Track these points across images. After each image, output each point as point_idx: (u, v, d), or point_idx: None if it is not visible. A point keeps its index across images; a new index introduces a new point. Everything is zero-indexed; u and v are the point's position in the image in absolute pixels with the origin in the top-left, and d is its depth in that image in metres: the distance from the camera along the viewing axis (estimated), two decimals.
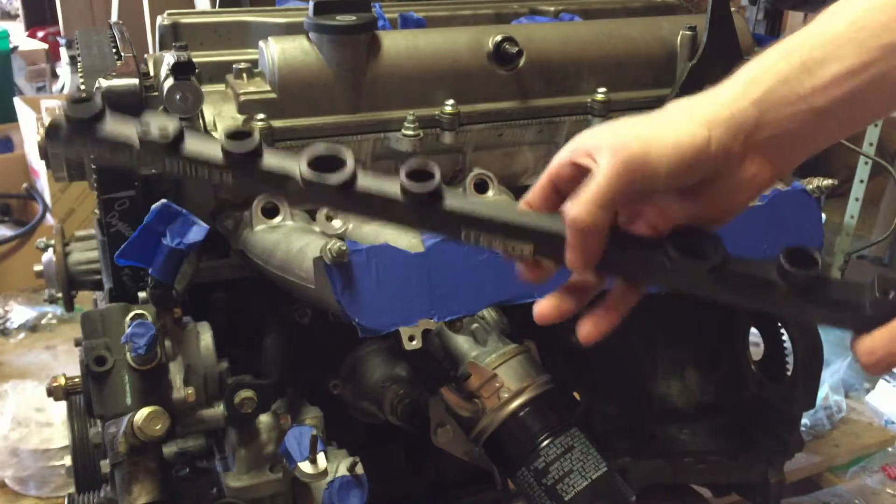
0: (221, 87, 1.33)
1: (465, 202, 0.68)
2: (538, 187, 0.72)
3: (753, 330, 1.61)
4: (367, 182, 0.67)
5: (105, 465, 1.18)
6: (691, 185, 0.69)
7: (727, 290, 0.66)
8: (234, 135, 0.67)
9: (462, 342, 1.28)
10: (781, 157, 0.70)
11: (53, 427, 2.14)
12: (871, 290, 0.62)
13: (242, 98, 1.27)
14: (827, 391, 2.31)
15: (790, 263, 0.63)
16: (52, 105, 1.36)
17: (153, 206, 1.09)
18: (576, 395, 1.40)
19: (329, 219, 1.28)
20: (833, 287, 0.64)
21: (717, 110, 0.68)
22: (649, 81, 1.46)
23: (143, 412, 1.08)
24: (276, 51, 1.28)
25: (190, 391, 1.16)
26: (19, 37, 5.29)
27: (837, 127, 0.70)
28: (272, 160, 0.67)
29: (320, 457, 1.14)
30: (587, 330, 0.68)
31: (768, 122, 0.67)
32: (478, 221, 0.68)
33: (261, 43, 1.30)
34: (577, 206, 0.66)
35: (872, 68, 0.65)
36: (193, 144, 0.67)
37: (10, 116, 3.52)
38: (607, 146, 0.67)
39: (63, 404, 1.40)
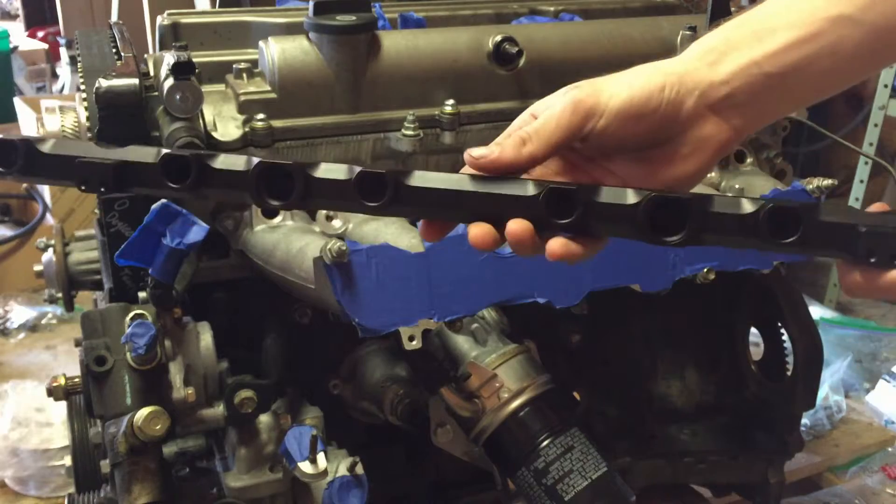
0: (221, 87, 1.33)
1: (420, 194, 0.67)
2: (497, 138, 0.72)
3: (753, 330, 1.61)
4: (318, 201, 0.68)
5: (105, 465, 1.18)
6: (646, 142, 0.70)
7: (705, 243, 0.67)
8: (171, 168, 0.66)
9: (462, 342, 1.28)
10: (738, 118, 0.71)
11: (53, 427, 2.14)
12: (852, 249, 0.62)
13: (242, 98, 1.27)
14: (827, 391, 2.30)
15: (773, 230, 0.63)
16: (52, 105, 1.36)
17: (153, 206, 1.09)
18: (576, 395, 1.40)
19: (329, 219, 1.28)
20: (817, 240, 0.63)
21: (673, 68, 0.71)
22: None
23: (143, 412, 1.08)
24: (276, 51, 1.28)
25: (190, 391, 1.16)
26: (19, 37, 5.29)
27: (793, 95, 0.71)
28: (219, 185, 0.67)
29: (320, 457, 1.14)
30: (557, 245, 0.67)
31: (723, 83, 0.69)
32: (436, 212, 0.69)
33: (261, 43, 1.30)
34: (511, 140, 0.68)
35: (821, 38, 0.68)
36: (136, 180, 0.67)
37: (10, 116, 3.52)
38: (563, 94, 0.70)
39: (63, 404, 1.40)
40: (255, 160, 0.67)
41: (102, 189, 0.67)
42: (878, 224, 0.61)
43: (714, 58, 0.70)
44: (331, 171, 0.67)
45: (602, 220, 0.66)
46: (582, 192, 0.66)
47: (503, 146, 0.68)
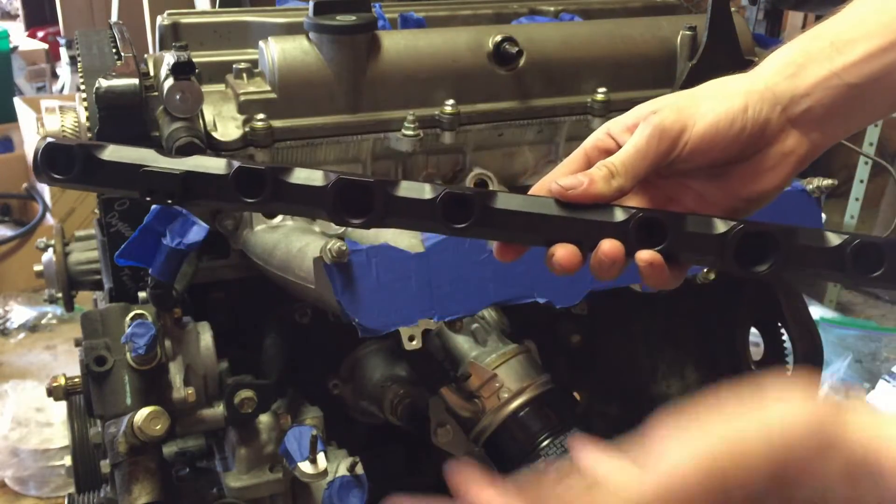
0: (221, 87, 1.33)
1: (506, 217, 0.66)
2: (572, 157, 0.71)
3: (753, 330, 1.61)
4: (397, 220, 0.66)
5: (105, 465, 1.18)
6: (729, 162, 0.70)
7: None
8: (244, 182, 0.64)
9: (462, 342, 1.28)
10: (817, 132, 0.70)
11: (53, 427, 2.14)
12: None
13: (242, 98, 1.27)
14: (827, 391, 2.30)
15: (858, 265, 0.64)
16: (52, 105, 1.36)
17: (153, 206, 1.09)
18: (576, 395, 1.40)
19: None
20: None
21: (753, 84, 0.70)
22: (649, 81, 1.46)
23: (143, 412, 1.08)
24: (276, 51, 1.28)
25: (190, 391, 1.16)
26: (19, 37, 5.29)
27: (871, 106, 0.71)
28: (294, 201, 0.65)
29: (320, 457, 1.14)
30: (648, 254, 0.66)
31: (804, 96, 0.69)
32: (521, 235, 0.68)
33: (261, 43, 1.30)
34: (601, 172, 0.67)
35: None
36: (206, 192, 0.64)
37: (10, 116, 3.52)
38: (644, 117, 0.69)
39: (63, 404, 1.40)
40: (333, 175, 0.64)
41: (170, 200, 0.64)
42: None
43: (793, 70, 0.69)
44: (413, 189, 0.65)
45: (690, 248, 0.65)
46: (670, 220, 0.65)
47: (594, 179, 0.66)
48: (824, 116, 0.69)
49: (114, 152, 0.65)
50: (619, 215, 0.66)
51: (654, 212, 0.67)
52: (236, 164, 0.65)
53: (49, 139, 0.64)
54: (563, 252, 0.66)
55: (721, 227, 0.65)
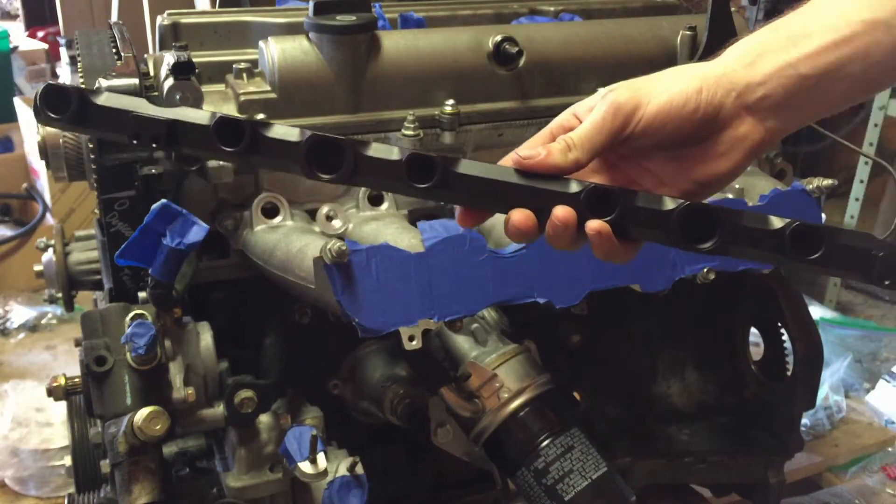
0: (221, 87, 1.33)
1: (467, 181, 0.69)
2: (538, 134, 0.74)
3: (753, 330, 1.61)
4: (365, 178, 0.69)
5: (105, 465, 1.18)
6: (683, 144, 0.72)
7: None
8: (225, 132, 0.67)
9: (462, 342, 1.28)
10: (772, 120, 0.73)
11: (53, 427, 2.14)
12: (868, 272, 0.65)
13: (242, 98, 1.27)
14: (827, 391, 2.30)
15: (796, 247, 0.66)
16: None
17: (153, 206, 1.09)
18: (576, 395, 1.40)
19: (329, 219, 1.28)
20: (836, 260, 0.66)
21: (711, 70, 0.73)
22: None
23: (143, 412, 1.08)
24: (276, 51, 1.28)
25: (190, 391, 1.16)
26: (19, 37, 5.29)
27: (826, 97, 0.73)
28: (270, 154, 0.68)
29: (320, 457, 1.14)
30: (597, 224, 0.69)
31: (759, 84, 0.71)
32: (480, 200, 0.71)
33: (261, 43, 1.31)
34: (558, 145, 0.70)
35: (855, 41, 0.70)
36: (188, 139, 0.68)
37: (10, 116, 3.52)
38: (602, 96, 0.72)
39: (63, 404, 1.40)
40: (308, 132, 0.68)
41: (154, 144, 0.68)
42: (894, 250, 0.64)
43: (750, 59, 0.72)
44: (381, 150, 0.69)
45: (638, 223, 0.68)
46: (621, 194, 0.69)
47: (551, 150, 0.70)
48: (779, 105, 0.72)
49: (108, 98, 0.68)
50: (574, 187, 0.69)
51: (606, 186, 0.70)
52: (219, 114, 0.68)
53: (50, 81, 0.68)
54: (519, 216, 0.69)
55: (669, 203, 0.68)
